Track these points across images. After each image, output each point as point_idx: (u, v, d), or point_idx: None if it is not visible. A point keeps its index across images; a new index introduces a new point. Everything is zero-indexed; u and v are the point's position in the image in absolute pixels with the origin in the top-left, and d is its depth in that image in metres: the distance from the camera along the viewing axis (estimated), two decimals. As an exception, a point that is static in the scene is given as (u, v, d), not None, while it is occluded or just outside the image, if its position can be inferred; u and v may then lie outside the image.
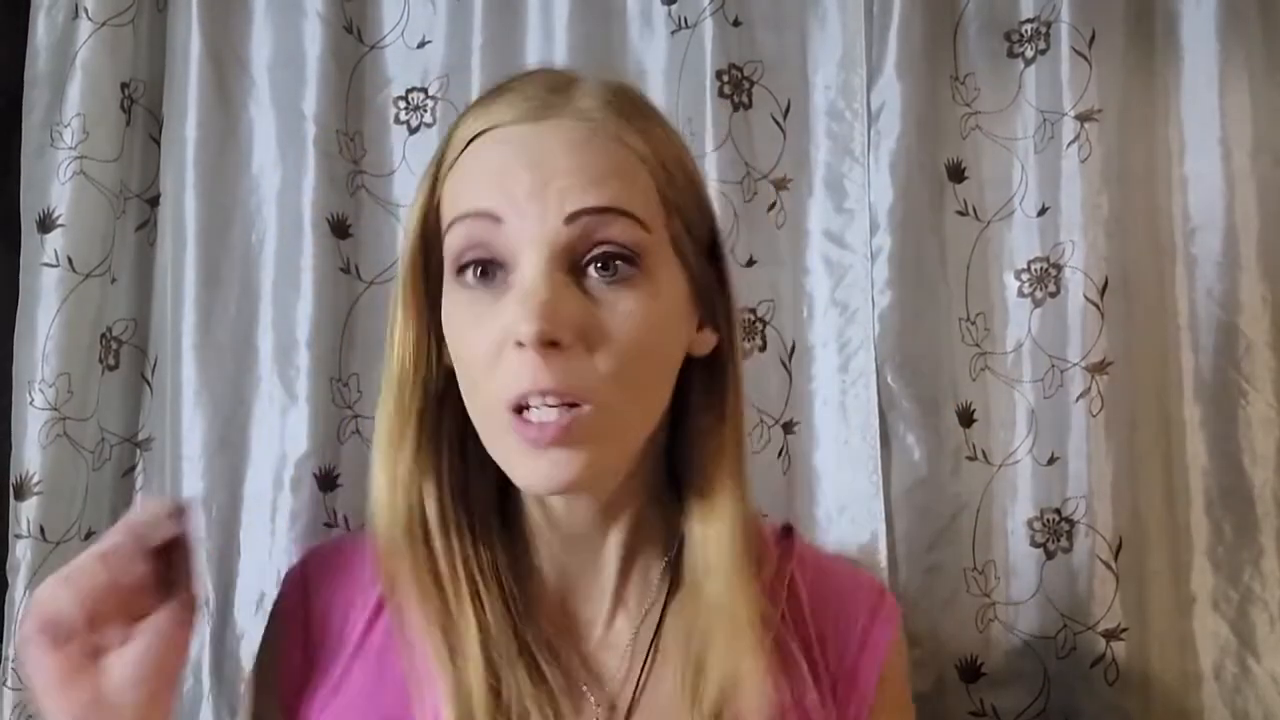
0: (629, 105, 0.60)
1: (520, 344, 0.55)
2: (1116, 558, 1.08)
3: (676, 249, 0.60)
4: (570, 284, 0.56)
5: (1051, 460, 1.10)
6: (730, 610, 0.63)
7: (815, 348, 1.12)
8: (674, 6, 1.11)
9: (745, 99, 1.11)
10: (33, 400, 0.98)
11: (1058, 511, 1.10)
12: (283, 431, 1.04)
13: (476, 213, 0.57)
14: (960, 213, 1.14)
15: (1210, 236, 1.11)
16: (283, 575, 0.74)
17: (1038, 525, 1.10)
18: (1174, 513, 1.11)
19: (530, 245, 0.55)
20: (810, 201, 1.13)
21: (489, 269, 0.58)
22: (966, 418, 1.12)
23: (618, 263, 0.56)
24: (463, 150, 0.60)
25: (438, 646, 0.62)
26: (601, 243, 0.55)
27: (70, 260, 0.99)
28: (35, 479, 0.97)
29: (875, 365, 1.09)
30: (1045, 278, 1.12)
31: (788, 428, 1.11)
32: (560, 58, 1.09)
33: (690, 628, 0.65)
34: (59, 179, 1.00)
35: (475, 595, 0.63)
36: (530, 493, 0.62)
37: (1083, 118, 1.11)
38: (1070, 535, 1.09)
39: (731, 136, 1.10)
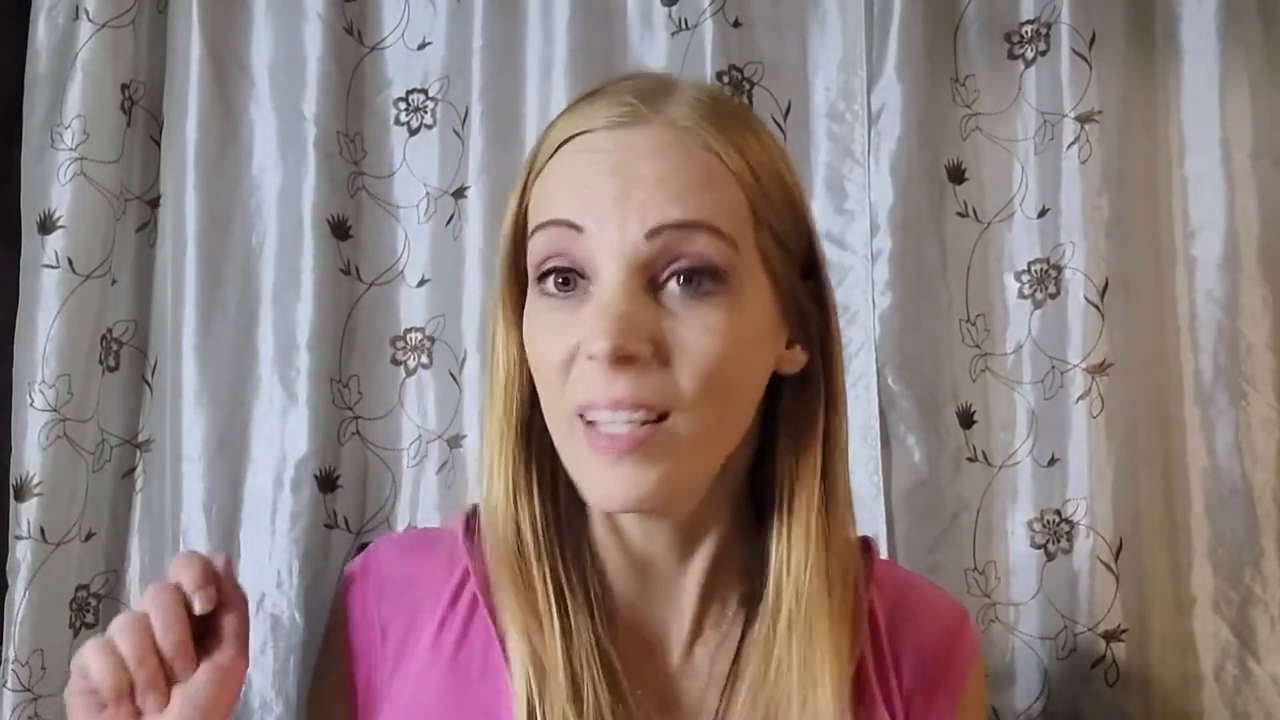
0: (722, 113, 0.59)
1: (592, 357, 0.54)
2: (1117, 559, 1.08)
3: (765, 264, 0.58)
4: (649, 297, 0.55)
5: (1052, 461, 1.10)
6: (806, 647, 0.60)
7: (815, 349, 1.12)
8: (674, 8, 1.11)
9: (746, 100, 1.11)
10: (33, 401, 0.98)
11: (1058, 513, 1.10)
12: (283, 433, 1.04)
13: (558, 221, 0.56)
14: (960, 214, 1.14)
15: (1210, 238, 1.11)
16: (341, 576, 0.73)
17: (1038, 526, 1.11)
18: (1174, 514, 1.11)
19: (610, 256, 0.54)
20: (811, 202, 1.13)
21: (569, 278, 0.57)
22: (967, 419, 1.12)
23: (700, 278, 0.54)
24: (551, 155, 0.59)
25: (525, 652, 0.61)
26: (683, 257, 0.54)
27: (70, 261, 0.99)
28: (35, 480, 0.97)
29: (875, 367, 1.09)
30: (1045, 279, 1.12)
31: (788, 429, 1.11)
32: (560, 60, 1.09)
33: (767, 661, 0.63)
34: (59, 180, 1.00)
35: (561, 602, 0.62)
36: (600, 510, 0.61)
37: (1083, 119, 1.11)
38: (1070, 536, 1.09)
39: (732, 138, 1.10)
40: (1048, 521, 1.10)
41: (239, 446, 1.04)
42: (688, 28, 1.11)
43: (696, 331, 0.54)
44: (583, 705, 0.60)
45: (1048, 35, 1.13)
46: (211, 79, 1.05)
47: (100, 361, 1.04)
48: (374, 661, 0.67)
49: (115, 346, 1.06)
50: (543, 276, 0.59)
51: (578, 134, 0.58)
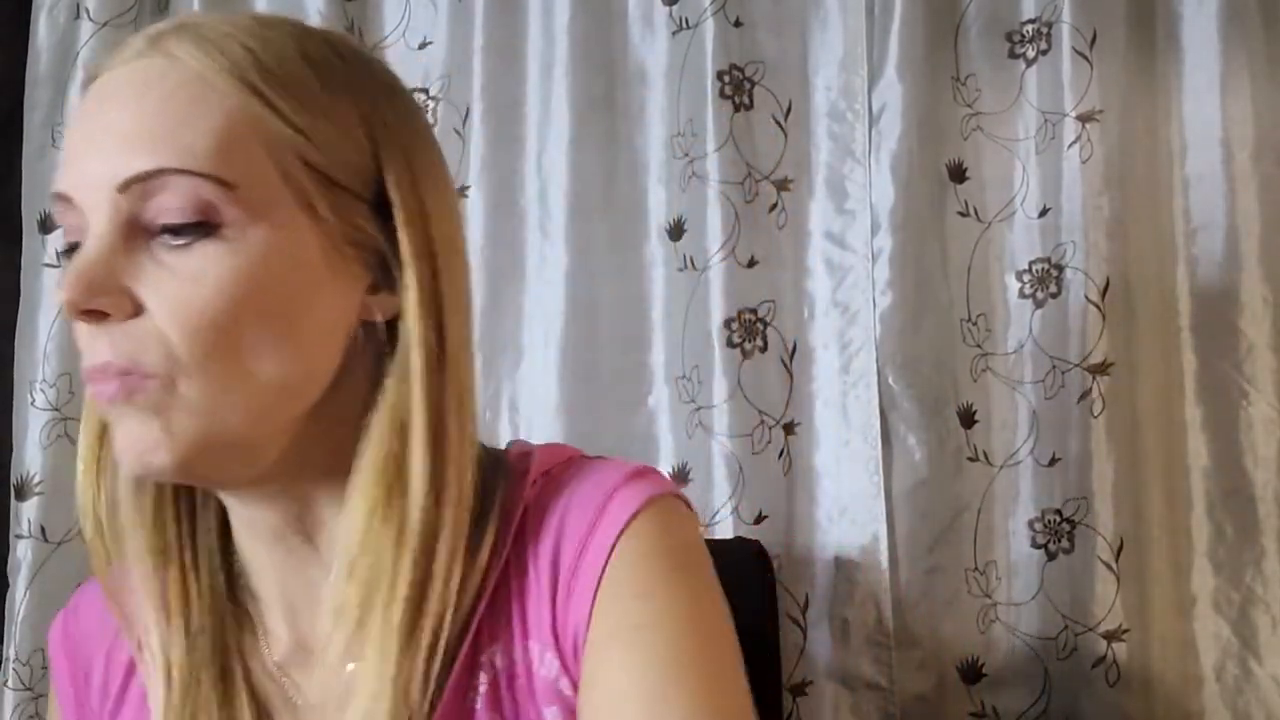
0: (240, 32, 0.51)
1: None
2: (1118, 559, 1.08)
3: (298, 198, 0.51)
4: (137, 251, 0.49)
5: (1053, 461, 1.10)
6: (356, 634, 0.52)
7: (816, 349, 1.12)
8: (675, 7, 1.11)
9: (746, 100, 1.11)
10: (34, 400, 0.98)
11: (1059, 512, 1.10)
12: (284, 432, 1.04)
13: (54, 195, 0.51)
14: (961, 214, 1.14)
15: (1211, 237, 1.11)
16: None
17: (1039, 526, 1.10)
18: (1175, 514, 1.11)
19: (92, 215, 0.49)
20: (811, 202, 1.13)
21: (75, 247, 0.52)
22: (968, 419, 1.12)
23: (184, 225, 0.48)
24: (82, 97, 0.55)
25: (150, 685, 0.56)
26: (163, 208, 0.48)
27: (71, 261, 0.99)
28: (36, 479, 0.97)
29: (876, 366, 1.09)
30: (1046, 279, 1.12)
31: (789, 429, 1.11)
32: (561, 59, 1.09)
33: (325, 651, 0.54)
34: (60, 179, 0.99)
35: (187, 629, 0.56)
36: (129, 475, 0.54)
37: (1084, 118, 1.11)
38: (1071, 536, 1.09)
39: (733, 137, 1.10)
40: (1049, 521, 1.10)
41: (240, 446, 1.04)
42: (688, 27, 1.11)
43: (181, 282, 0.48)
44: (199, 700, 0.55)
45: (1049, 34, 1.13)
46: (212, 78, 1.06)
47: (101, 361, 1.04)
48: (84, 705, 0.63)
49: (116, 346, 1.06)
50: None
51: (96, 75, 0.52)
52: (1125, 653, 1.07)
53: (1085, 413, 1.09)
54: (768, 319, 1.11)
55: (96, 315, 0.48)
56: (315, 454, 0.53)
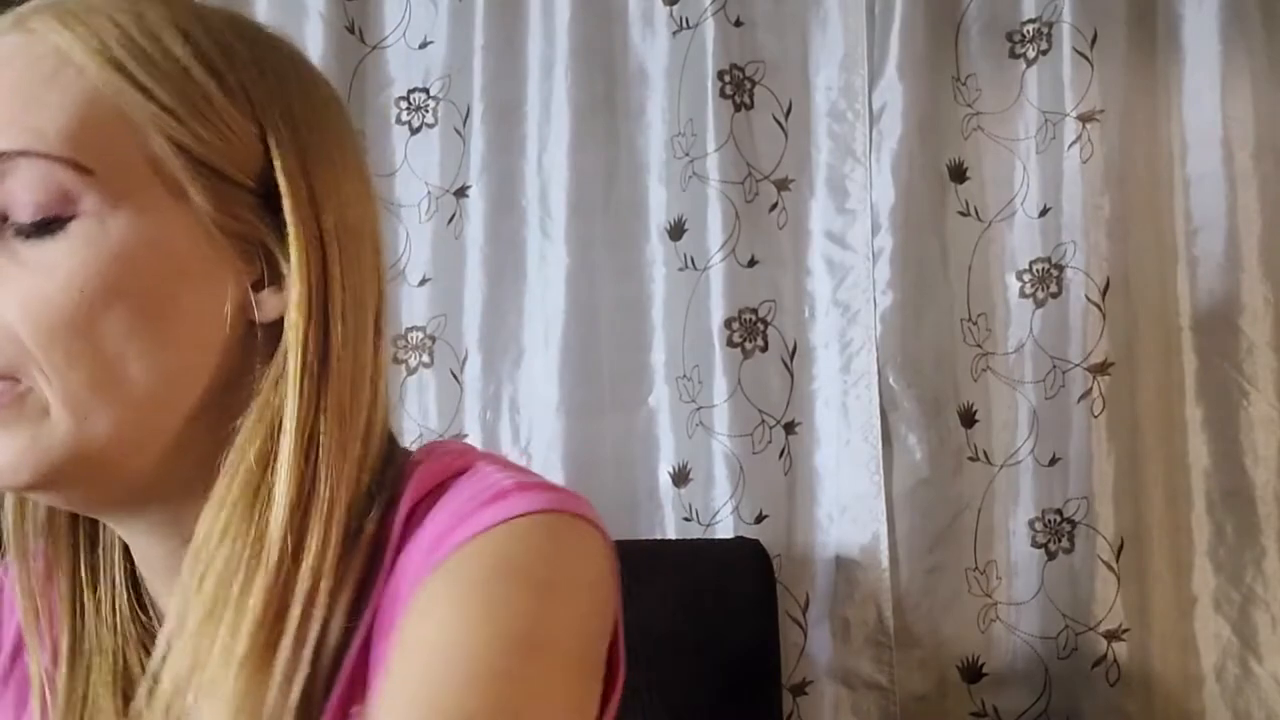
0: (109, 7, 0.48)
1: None
2: (1118, 558, 1.08)
3: (168, 182, 0.47)
4: None
5: (1053, 461, 1.10)
6: (199, 658, 0.46)
7: (817, 348, 1.12)
8: (675, 7, 1.11)
9: (747, 99, 1.11)
10: (34, 400, 0.98)
11: (1059, 512, 1.10)
12: (284, 432, 1.04)
13: None
14: (962, 213, 1.14)
15: (1212, 237, 1.11)
16: None
17: (1039, 526, 1.10)
18: (1176, 513, 1.11)
19: None
20: (812, 202, 1.13)
21: None
22: (968, 418, 1.12)
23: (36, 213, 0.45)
24: None
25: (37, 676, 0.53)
26: (11, 195, 0.45)
27: (72, 260, 0.99)
28: (37, 479, 0.97)
29: (877, 366, 1.09)
30: (1047, 278, 1.12)
31: (789, 428, 1.11)
32: (561, 58, 1.09)
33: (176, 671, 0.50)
34: (61, 179, 1.00)
35: (77, 649, 0.53)
36: None
37: (1084, 118, 1.11)
38: (1072, 536, 1.09)
39: (733, 137, 1.10)
40: (1049, 521, 1.10)
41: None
42: (689, 27, 1.11)
43: (33, 275, 0.45)
44: None
45: (1049, 34, 1.13)
46: (213, 78, 1.06)
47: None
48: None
49: (116, 345, 1.06)
50: None
51: None
52: (1125, 652, 1.07)
53: (1085, 412, 1.09)
54: (768, 319, 1.11)
55: None
56: (200, 470, 0.48)
